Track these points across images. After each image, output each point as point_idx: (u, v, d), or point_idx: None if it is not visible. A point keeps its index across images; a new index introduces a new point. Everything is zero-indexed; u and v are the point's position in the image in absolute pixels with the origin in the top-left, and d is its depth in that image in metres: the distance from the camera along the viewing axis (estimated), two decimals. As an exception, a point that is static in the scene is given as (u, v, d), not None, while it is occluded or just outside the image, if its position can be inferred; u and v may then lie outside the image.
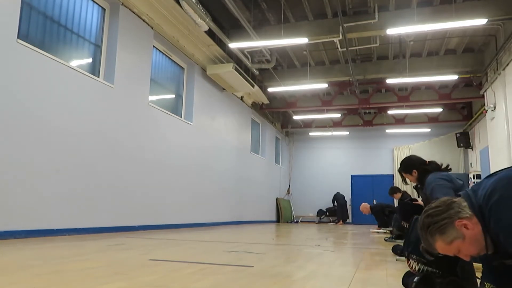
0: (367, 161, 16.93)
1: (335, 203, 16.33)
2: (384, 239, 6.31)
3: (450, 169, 3.07)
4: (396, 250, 3.95)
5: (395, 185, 15.73)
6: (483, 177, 11.62)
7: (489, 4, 7.92)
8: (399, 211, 4.34)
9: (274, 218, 15.53)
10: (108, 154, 6.02)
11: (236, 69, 9.25)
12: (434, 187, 2.80)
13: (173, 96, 8.68)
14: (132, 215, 6.51)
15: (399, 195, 8.05)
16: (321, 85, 11.07)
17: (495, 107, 9.77)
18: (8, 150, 4.39)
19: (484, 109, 10.74)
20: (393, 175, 16.44)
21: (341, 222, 15.82)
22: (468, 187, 1.99)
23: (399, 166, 3.36)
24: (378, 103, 13.39)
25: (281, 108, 14.33)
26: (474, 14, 7.71)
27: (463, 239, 1.47)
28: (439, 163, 3.14)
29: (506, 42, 8.61)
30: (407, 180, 3.35)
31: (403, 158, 3.40)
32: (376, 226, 9.86)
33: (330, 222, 16.34)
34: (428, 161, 3.17)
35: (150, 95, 7.36)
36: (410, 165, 3.23)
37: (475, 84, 11.32)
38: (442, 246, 1.52)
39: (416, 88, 12.82)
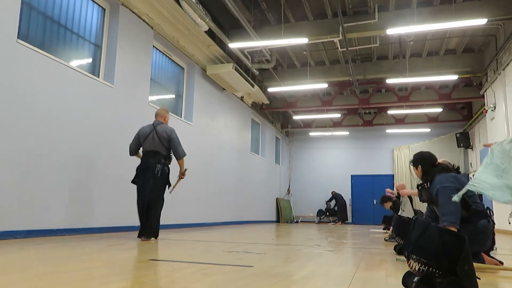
0: (367, 161, 16.93)
1: (332, 201, 16.31)
2: (384, 239, 6.30)
3: (460, 171, 3.32)
4: (396, 249, 3.94)
5: (395, 185, 15.74)
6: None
7: (489, 4, 7.92)
8: (395, 227, 4.29)
9: (274, 218, 15.53)
10: (108, 154, 6.02)
11: (236, 69, 9.24)
12: (439, 189, 2.97)
13: (173, 96, 8.68)
14: (132, 215, 6.49)
15: (389, 204, 7.93)
16: (321, 85, 11.07)
17: (495, 107, 9.77)
18: (7, 150, 4.38)
19: (484, 109, 10.74)
20: (393, 175, 16.44)
21: (340, 222, 15.80)
22: None
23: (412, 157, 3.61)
24: (378, 103, 13.39)
25: (281, 108, 14.33)
26: (474, 14, 7.72)
27: None
28: (450, 164, 3.35)
29: (506, 42, 8.62)
30: (414, 173, 3.67)
31: (418, 152, 3.63)
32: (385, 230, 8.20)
33: (330, 222, 16.33)
34: (438, 163, 3.39)
35: (150, 95, 7.35)
36: (418, 159, 3.49)
37: (475, 84, 11.32)
38: None
39: (416, 88, 12.82)
